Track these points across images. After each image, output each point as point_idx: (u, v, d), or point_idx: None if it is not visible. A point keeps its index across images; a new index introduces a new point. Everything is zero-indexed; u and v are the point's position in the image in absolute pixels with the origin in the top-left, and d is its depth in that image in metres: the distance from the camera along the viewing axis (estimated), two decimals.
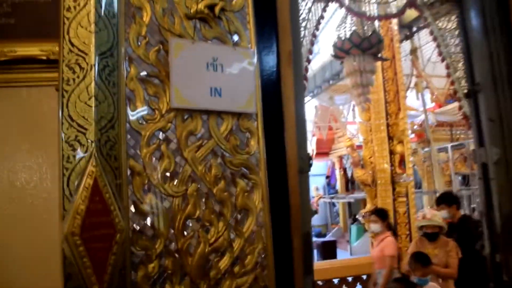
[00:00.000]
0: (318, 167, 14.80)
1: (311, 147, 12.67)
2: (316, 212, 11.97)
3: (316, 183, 14.50)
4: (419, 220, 4.25)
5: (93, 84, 1.17)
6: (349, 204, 12.82)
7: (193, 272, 1.28)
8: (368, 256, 5.77)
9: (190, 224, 1.30)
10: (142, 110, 1.28)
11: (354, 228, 10.22)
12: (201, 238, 1.30)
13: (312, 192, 13.99)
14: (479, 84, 2.32)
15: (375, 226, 4.87)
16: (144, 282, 1.21)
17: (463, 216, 4.66)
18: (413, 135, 10.09)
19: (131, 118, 1.26)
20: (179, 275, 1.26)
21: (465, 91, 2.45)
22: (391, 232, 4.85)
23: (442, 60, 2.45)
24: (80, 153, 1.12)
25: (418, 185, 10.84)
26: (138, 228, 1.22)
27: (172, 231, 1.27)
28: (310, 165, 1.71)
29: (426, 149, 9.18)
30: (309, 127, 11.46)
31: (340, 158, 13.48)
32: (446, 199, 4.64)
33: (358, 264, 5.54)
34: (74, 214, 1.08)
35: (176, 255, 1.26)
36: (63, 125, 1.14)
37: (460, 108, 2.46)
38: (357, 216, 9.06)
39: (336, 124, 10.49)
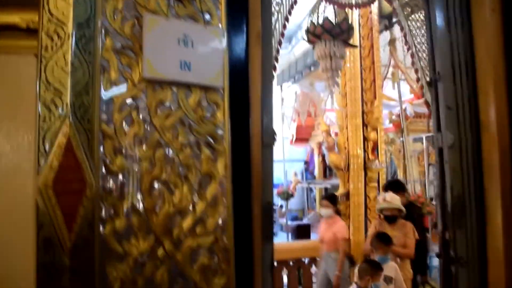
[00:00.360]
0: (298, 153, 15.00)
1: (290, 133, 12.83)
2: (292, 195, 12.18)
3: (294, 168, 14.71)
4: (380, 203, 4.46)
5: (70, 52, 1.27)
6: (326, 190, 13.07)
7: (158, 230, 1.40)
8: None
9: (156, 186, 1.41)
10: (115, 79, 1.38)
11: None
12: (166, 199, 1.42)
13: (291, 178, 14.20)
14: (439, 73, 2.46)
15: (326, 211, 5.11)
16: (111, 236, 1.32)
17: (408, 203, 4.89)
18: (391, 125, 10.33)
19: (104, 85, 1.36)
20: (144, 231, 1.38)
21: (428, 79, 2.60)
22: (339, 217, 5.14)
23: (408, 50, 2.59)
24: (55, 114, 1.22)
25: (394, 174, 11.13)
26: (107, 186, 1.33)
27: (139, 191, 1.38)
28: (274, 139, 1.84)
29: (402, 138, 9.40)
30: (289, 113, 11.60)
31: (319, 144, 13.66)
32: (393, 186, 4.85)
33: None
34: (48, 169, 1.19)
35: (142, 213, 1.38)
36: (40, 88, 1.24)
37: (423, 95, 2.62)
38: None
39: (315, 110, 10.64)
